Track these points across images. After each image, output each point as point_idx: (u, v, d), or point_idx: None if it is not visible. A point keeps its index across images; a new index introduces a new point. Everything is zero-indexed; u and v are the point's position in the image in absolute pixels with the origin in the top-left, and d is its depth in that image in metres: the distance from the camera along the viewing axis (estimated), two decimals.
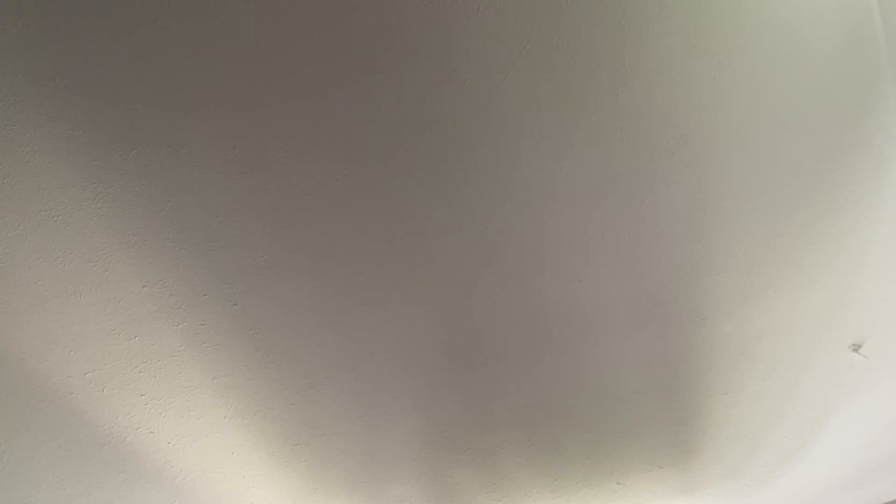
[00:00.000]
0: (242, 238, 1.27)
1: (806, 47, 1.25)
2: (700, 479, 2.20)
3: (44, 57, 0.99)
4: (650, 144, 1.32)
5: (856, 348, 1.87)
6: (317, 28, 1.05)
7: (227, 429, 1.55)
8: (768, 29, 1.21)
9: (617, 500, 2.17)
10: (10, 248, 1.18)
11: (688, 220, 1.46)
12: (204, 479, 1.64)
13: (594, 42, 1.16)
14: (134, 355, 1.37)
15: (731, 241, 1.52)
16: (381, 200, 1.28)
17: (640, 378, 1.78)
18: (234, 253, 1.28)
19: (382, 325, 1.47)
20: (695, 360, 1.77)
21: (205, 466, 1.61)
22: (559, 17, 1.11)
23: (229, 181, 1.19)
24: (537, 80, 1.18)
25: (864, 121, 1.39)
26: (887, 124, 1.40)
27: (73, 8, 0.96)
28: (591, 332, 1.63)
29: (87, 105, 1.05)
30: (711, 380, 1.84)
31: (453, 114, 1.19)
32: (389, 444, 1.77)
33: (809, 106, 1.34)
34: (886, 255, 1.67)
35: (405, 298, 1.44)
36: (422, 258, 1.38)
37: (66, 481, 1.52)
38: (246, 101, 1.10)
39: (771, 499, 2.43)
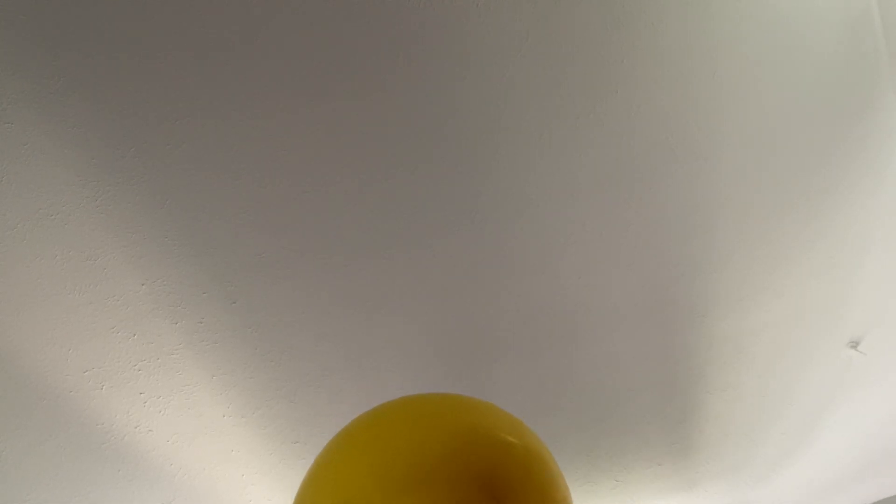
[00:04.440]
0: (241, 236, 1.26)
1: (804, 45, 1.25)
2: (698, 476, 2.20)
3: (42, 55, 0.99)
4: (649, 142, 1.31)
5: (854, 345, 1.88)
6: (313, 28, 1.05)
7: (227, 427, 1.55)
8: (767, 27, 1.21)
9: (616, 496, 2.17)
10: (9, 247, 1.17)
11: (686, 218, 1.46)
12: (203, 477, 1.64)
13: (593, 39, 1.15)
14: (133, 353, 1.37)
15: (729, 239, 1.52)
16: (381, 199, 1.28)
17: (638, 375, 1.78)
18: (233, 251, 1.28)
19: (381, 323, 1.47)
20: (693, 358, 1.78)
21: (204, 464, 1.61)
22: (558, 14, 1.11)
23: (228, 180, 1.19)
24: (536, 77, 1.18)
25: (862, 119, 1.39)
26: (886, 123, 1.40)
27: (73, 6, 0.95)
28: (590, 329, 1.63)
29: (86, 103, 1.05)
30: (710, 377, 1.84)
31: (452, 112, 1.19)
32: None
33: (808, 104, 1.34)
34: (885, 252, 1.67)
35: (404, 297, 1.44)
36: (420, 257, 1.38)
37: (64, 479, 1.52)
38: (244, 100, 1.10)
39: (770, 495, 2.44)
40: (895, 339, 1.92)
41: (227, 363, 1.44)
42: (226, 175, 1.18)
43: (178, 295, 1.32)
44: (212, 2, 0.99)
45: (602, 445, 1.97)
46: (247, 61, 1.06)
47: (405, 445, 0.77)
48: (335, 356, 1.50)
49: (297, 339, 1.44)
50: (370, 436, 0.85)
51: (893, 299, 1.81)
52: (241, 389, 1.49)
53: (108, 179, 1.14)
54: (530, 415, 1.81)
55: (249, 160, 1.17)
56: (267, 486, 1.73)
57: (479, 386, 1.68)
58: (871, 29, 1.26)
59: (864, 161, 1.46)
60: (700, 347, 1.75)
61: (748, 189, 1.44)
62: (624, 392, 1.82)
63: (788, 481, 2.40)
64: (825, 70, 1.29)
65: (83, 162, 1.11)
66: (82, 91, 1.04)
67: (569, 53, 1.16)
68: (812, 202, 1.51)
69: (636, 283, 1.55)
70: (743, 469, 2.23)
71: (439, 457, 0.73)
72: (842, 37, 1.25)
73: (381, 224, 1.31)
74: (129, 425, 1.48)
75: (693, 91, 1.26)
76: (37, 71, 1.00)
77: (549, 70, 1.17)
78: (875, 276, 1.72)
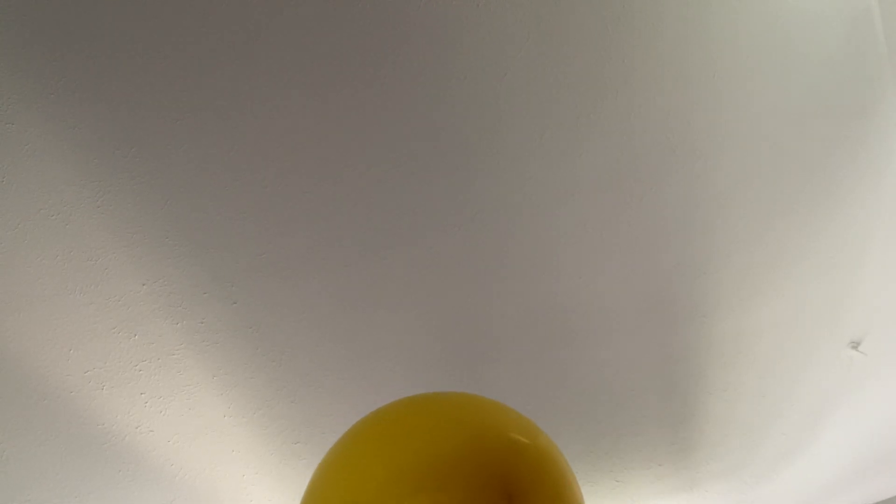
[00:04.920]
0: (242, 237, 1.27)
1: (805, 46, 1.25)
2: (699, 477, 2.20)
3: (43, 55, 0.99)
4: (649, 142, 1.32)
5: (855, 345, 1.88)
6: (314, 28, 1.05)
7: (227, 427, 1.55)
8: (767, 26, 1.21)
9: (616, 497, 2.17)
10: (9, 247, 1.17)
11: (687, 218, 1.46)
12: (204, 477, 1.64)
13: (594, 40, 1.16)
14: (133, 354, 1.37)
15: (730, 239, 1.52)
16: (381, 199, 1.28)
17: (639, 376, 1.78)
18: (234, 252, 1.28)
19: (382, 324, 1.47)
20: (694, 358, 1.77)
21: (204, 464, 1.61)
22: (558, 14, 1.11)
23: (228, 180, 1.19)
24: (537, 78, 1.18)
25: (862, 120, 1.39)
26: (886, 123, 1.40)
27: (73, 6, 0.96)
28: (590, 329, 1.63)
29: (87, 104, 1.05)
30: (710, 377, 1.84)
31: (452, 112, 1.19)
32: None
33: (808, 104, 1.34)
34: (885, 253, 1.67)
35: (404, 298, 1.44)
36: (420, 257, 1.38)
37: (65, 479, 1.52)
38: (246, 100, 1.10)
39: (770, 495, 2.43)
40: (895, 339, 1.92)
41: (228, 363, 1.44)
42: (226, 175, 1.18)
43: (178, 295, 1.32)
44: (212, 2, 0.99)
45: (602, 445, 1.97)
46: (247, 61, 1.06)
47: (418, 445, 0.77)
48: (336, 356, 1.50)
49: (298, 340, 1.44)
50: (381, 435, 0.85)
51: (894, 299, 1.81)
52: (242, 390, 1.49)
53: (109, 179, 1.14)
54: (531, 415, 1.81)
55: (250, 160, 1.17)
56: (268, 487, 1.73)
57: (479, 385, 1.69)
58: (871, 29, 1.26)
59: (864, 161, 1.46)
60: (700, 348, 1.75)
61: (748, 189, 1.44)
62: (624, 392, 1.82)
63: (788, 481, 2.40)
64: (825, 70, 1.29)
65: (84, 162, 1.11)
66: (83, 91, 1.04)
67: (569, 53, 1.16)
68: (812, 202, 1.51)
69: (636, 282, 1.56)
70: (744, 469, 2.23)
71: (453, 456, 0.73)
72: (842, 36, 1.25)
73: (382, 224, 1.31)
74: (130, 425, 1.48)
75: (693, 91, 1.26)
76: (37, 71, 1.00)
77: (549, 70, 1.18)
78: (875, 276, 1.72)
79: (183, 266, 1.28)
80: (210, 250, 1.27)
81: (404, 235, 1.34)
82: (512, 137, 1.25)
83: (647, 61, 1.20)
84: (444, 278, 1.43)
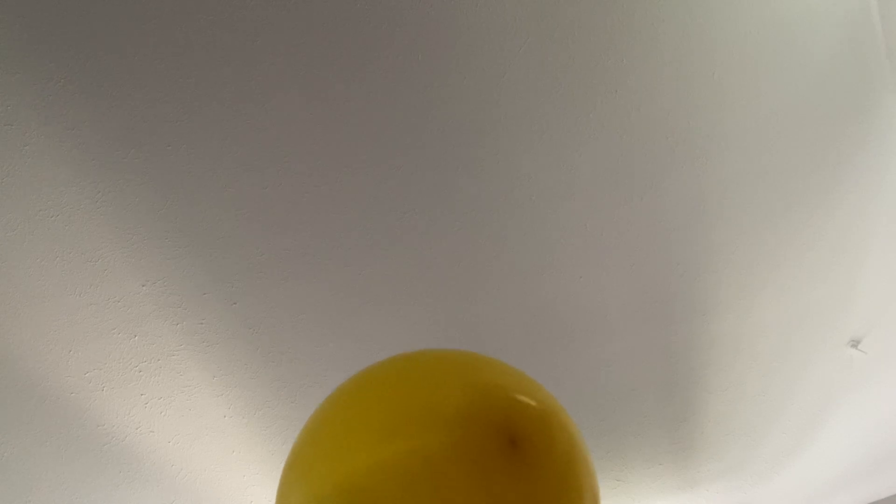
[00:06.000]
0: (242, 237, 1.26)
1: (804, 45, 1.25)
2: (699, 476, 2.20)
3: (43, 56, 0.99)
4: (649, 141, 1.32)
5: (855, 344, 1.88)
6: (316, 27, 1.05)
7: (228, 427, 1.55)
8: (767, 26, 1.21)
9: (617, 496, 2.17)
10: (9, 248, 1.17)
11: (687, 217, 1.46)
12: (204, 478, 1.64)
13: (593, 39, 1.16)
14: (133, 354, 1.37)
15: (730, 238, 1.52)
16: (381, 199, 1.28)
17: (639, 375, 1.78)
18: (234, 252, 1.28)
19: (381, 323, 1.47)
20: (694, 357, 1.78)
21: (205, 465, 1.61)
22: (558, 13, 1.11)
23: (229, 180, 1.19)
24: (536, 76, 1.18)
25: (862, 119, 1.39)
26: (886, 123, 1.40)
27: (73, 7, 0.95)
28: (591, 329, 1.63)
29: (87, 104, 1.05)
30: (711, 376, 1.84)
31: (452, 111, 1.19)
32: None
33: (808, 103, 1.34)
34: (886, 252, 1.67)
35: (404, 297, 1.44)
36: (421, 256, 1.38)
37: (65, 480, 1.52)
38: (245, 100, 1.10)
39: (770, 495, 2.44)
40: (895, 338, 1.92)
41: (228, 364, 1.44)
42: (226, 175, 1.18)
43: (178, 296, 1.31)
44: (213, 2, 0.99)
45: (602, 445, 1.97)
46: (247, 61, 1.06)
47: (415, 394, 0.73)
48: (336, 356, 1.50)
49: (298, 340, 1.44)
50: (373, 389, 0.79)
51: (894, 299, 1.81)
52: (242, 390, 1.49)
53: (109, 181, 1.14)
54: None
55: (250, 161, 1.17)
56: (268, 487, 1.73)
57: None
58: (870, 29, 1.26)
59: (864, 161, 1.46)
60: (701, 347, 1.75)
61: (749, 188, 1.44)
62: (624, 391, 1.82)
63: (789, 481, 2.40)
64: (825, 69, 1.29)
65: (83, 162, 1.11)
66: (82, 91, 1.04)
67: (569, 53, 1.16)
68: (812, 202, 1.51)
69: (637, 282, 1.56)
70: (744, 468, 2.23)
71: (454, 403, 0.70)
72: (841, 36, 1.26)
73: (381, 224, 1.31)
74: (131, 426, 1.48)
75: (693, 90, 1.26)
76: (37, 71, 1.00)
77: (550, 69, 1.18)
78: (876, 275, 1.73)
79: (183, 267, 1.28)
80: (210, 250, 1.27)
81: (404, 236, 1.34)
82: (512, 137, 1.25)
83: (646, 60, 1.20)
84: (444, 278, 1.43)
